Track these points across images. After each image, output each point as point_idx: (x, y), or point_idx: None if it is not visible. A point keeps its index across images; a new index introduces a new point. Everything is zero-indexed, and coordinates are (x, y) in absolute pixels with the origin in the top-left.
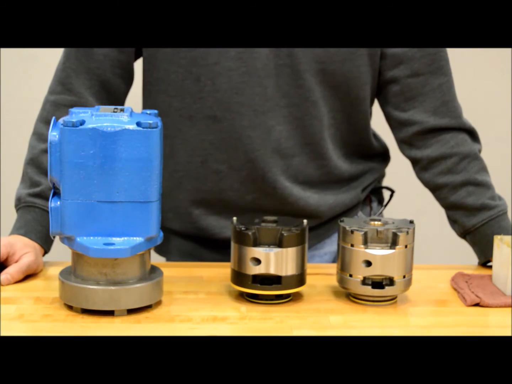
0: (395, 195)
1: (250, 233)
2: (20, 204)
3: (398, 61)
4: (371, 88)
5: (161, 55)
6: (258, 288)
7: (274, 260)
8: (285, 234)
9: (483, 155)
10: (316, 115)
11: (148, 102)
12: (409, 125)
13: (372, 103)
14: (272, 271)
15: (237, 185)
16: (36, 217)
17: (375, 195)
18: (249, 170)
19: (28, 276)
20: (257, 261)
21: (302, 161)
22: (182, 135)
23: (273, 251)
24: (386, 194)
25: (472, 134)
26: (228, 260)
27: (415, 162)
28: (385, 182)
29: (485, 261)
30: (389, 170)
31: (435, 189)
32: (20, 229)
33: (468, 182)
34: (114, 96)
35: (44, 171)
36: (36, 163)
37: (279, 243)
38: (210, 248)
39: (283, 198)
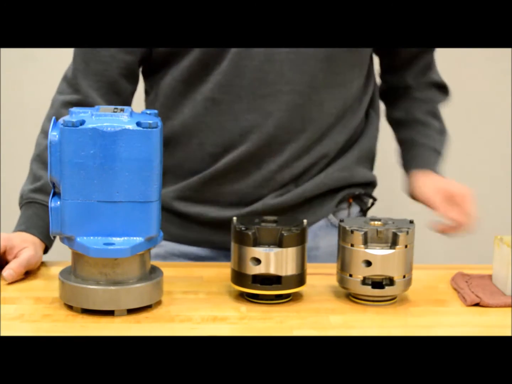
0: (395, 195)
1: (250, 233)
2: (23, 201)
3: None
4: (359, 70)
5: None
6: (258, 288)
7: (274, 260)
8: (285, 234)
9: (483, 154)
10: (317, 102)
11: (152, 83)
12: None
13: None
14: (272, 271)
15: (231, 168)
16: (37, 212)
17: (356, 202)
18: (243, 154)
19: (28, 275)
20: (257, 261)
21: (298, 148)
22: (183, 116)
23: (273, 251)
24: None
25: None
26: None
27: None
28: (385, 182)
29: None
30: (389, 169)
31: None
32: (21, 225)
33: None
34: (122, 97)
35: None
36: (41, 159)
37: (279, 243)
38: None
39: (267, 180)
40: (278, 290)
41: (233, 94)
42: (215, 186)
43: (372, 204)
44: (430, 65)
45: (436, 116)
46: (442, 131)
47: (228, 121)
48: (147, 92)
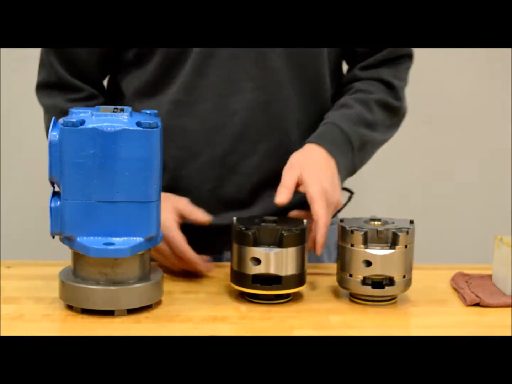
0: (396, 194)
1: (250, 233)
2: None
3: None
4: (329, 63)
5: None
6: (258, 288)
7: (274, 260)
8: (285, 234)
9: (483, 154)
10: (283, 98)
11: (123, 85)
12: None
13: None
14: (272, 271)
15: (195, 172)
16: None
17: None
18: (209, 156)
19: (28, 275)
20: (257, 261)
21: (267, 146)
22: None
23: (273, 251)
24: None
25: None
26: None
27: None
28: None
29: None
30: (389, 169)
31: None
32: None
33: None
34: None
35: None
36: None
37: (279, 243)
38: None
39: (241, 185)
40: (278, 290)
41: (197, 95)
42: (182, 193)
43: (350, 198)
44: (383, 63)
45: (367, 105)
46: (363, 119)
47: (192, 123)
48: (111, 93)
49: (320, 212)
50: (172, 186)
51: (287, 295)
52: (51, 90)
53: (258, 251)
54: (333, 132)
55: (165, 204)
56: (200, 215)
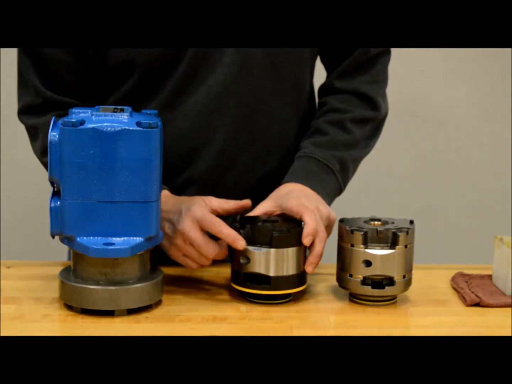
0: (395, 194)
1: (242, 231)
2: None
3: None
4: (311, 70)
5: (116, 56)
6: (247, 287)
7: (264, 259)
8: (275, 235)
9: (483, 154)
10: (266, 111)
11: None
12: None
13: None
14: (261, 270)
15: (176, 189)
16: None
17: None
18: (190, 173)
19: (28, 275)
20: (247, 260)
21: (247, 160)
22: None
23: (262, 251)
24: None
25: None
26: None
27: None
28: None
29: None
30: (389, 169)
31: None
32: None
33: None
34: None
35: None
36: None
37: (270, 243)
38: None
39: (220, 197)
40: (266, 290)
41: (177, 113)
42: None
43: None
44: (360, 67)
45: (343, 126)
46: (339, 142)
47: (173, 141)
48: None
49: (312, 227)
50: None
51: (287, 295)
52: (39, 111)
53: (248, 250)
54: (308, 164)
55: (195, 199)
56: (236, 202)
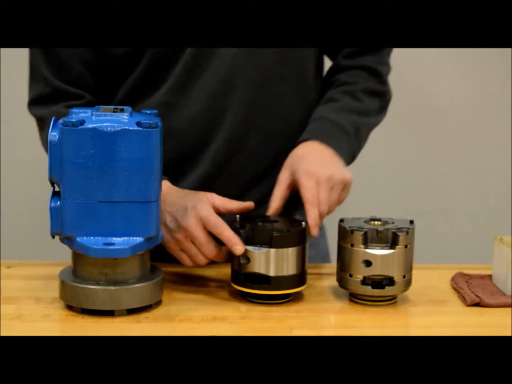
0: (396, 194)
1: (242, 231)
2: None
3: None
4: (314, 56)
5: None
6: (247, 287)
7: (264, 259)
8: (275, 235)
9: (483, 154)
10: (274, 94)
11: (116, 89)
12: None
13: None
14: (261, 270)
15: (187, 170)
16: None
17: None
18: (200, 156)
19: (28, 275)
20: (247, 260)
21: (257, 143)
22: None
23: (262, 251)
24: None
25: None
26: None
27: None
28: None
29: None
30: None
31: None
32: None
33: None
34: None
35: None
36: None
37: (270, 243)
38: None
39: (230, 182)
40: (266, 290)
41: (188, 96)
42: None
43: None
44: (364, 50)
45: (354, 95)
46: (352, 109)
47: (185, 124)
48: (106, 100)
49: (305, 193)
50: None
51: (287, 295)
52: (47, 101)
53: (248, 250)
54: (324, 125)
55: (199, 195)
56: (240, 203)
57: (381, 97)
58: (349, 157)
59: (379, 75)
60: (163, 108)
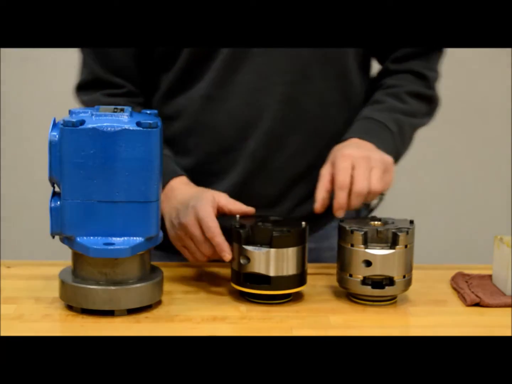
0: (396, 194)
1: (242, 231)
2: None
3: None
4: (357, 58)
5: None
6: (247, 287)
7: (264, 259)
8: (275, 235)
9: (483, 154)
10: (313, 93)
11: (159, 82)
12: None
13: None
14: (262, 270)
15: (226, 166)
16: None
17: None
18: (239, 151)
19: (28, 275)
20: (247, 260)
21: (297, 141)
22: (182, 115)
23: (262, 251)
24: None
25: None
26: None
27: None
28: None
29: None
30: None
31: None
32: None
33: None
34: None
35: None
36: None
37: (270, 243)
38: None
39: (271, 181)
40: (266, 290)
41: (228, 90)
42: (212, 187)
43: (381, 199)
44: (414, 55)
45: (399, 97)
46: (397, 109)
47: (223, 118)
48: (150, 92)
49: (337, 175)
50: (206, 180)
51: (287, 295)
52: (89, 88)
53: (248, 250)
54: (366, 123)
55: (205, 194)
56: (242, 206)
57: (428, 101)
58: (393, 155)
59: (426, 79)
60: (204, 101)
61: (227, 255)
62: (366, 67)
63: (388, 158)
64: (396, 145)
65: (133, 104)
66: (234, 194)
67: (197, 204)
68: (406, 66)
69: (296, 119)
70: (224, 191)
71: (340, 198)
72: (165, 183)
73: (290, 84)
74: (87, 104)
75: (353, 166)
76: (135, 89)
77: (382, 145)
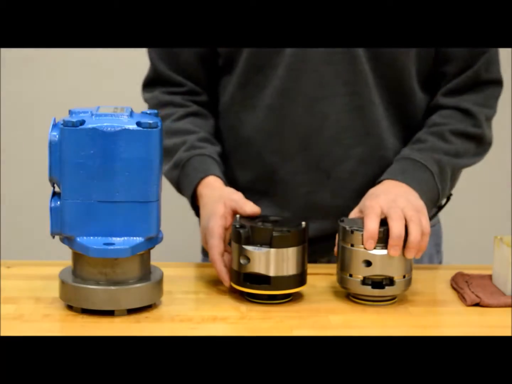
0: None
1: (242, 231)
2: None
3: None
4: (418, 81)
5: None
6: (247, 287)
7: (264, 259)
8: (275, 235)
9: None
10: (374, 104)
11: (220, 87)
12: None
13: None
14: (261, 270)
15: (290, 177)
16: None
17: None
18: (303, 160)
19: (28, 275)
20: (247, 260)
21: (362, 151)
22: (244, 125)
23: (262, 251)
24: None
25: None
26: None
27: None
28: None
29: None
30: None
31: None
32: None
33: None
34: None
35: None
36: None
37: (270, 243)
38: None
39: (337, 191)
40: (277, 290)
41: (291, 98)
42: (278, 197)
43: (448, 199)
44: (467, 88)
45: (442, 136)
46: (438, 149)
47: (288, 127)
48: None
49: (367, 224)
50: (267, 190)
51: (287, 295)
52: (152, 85)
53: (248, 250)
54: (404, 164)
55: (216, 208)
56: (248, 207)
57: (476, 141)
58: (434, 196)
59: (474, 118)
60: (269, 109)
61: (225, 283)
62: (429, 86)
63: (419, 202)
64: (436, 187)
65: (192, 102)
66: (300, 206)
67: (208, 225)
68: (455, 102)
69: (360, 128)
70: (289, 202)
71: (370, 226)
72: (194, 184)
73: (352, 94)
74: (148, 101)
75: (379, 205)
76: (198, 88)
77: (418, 186)
